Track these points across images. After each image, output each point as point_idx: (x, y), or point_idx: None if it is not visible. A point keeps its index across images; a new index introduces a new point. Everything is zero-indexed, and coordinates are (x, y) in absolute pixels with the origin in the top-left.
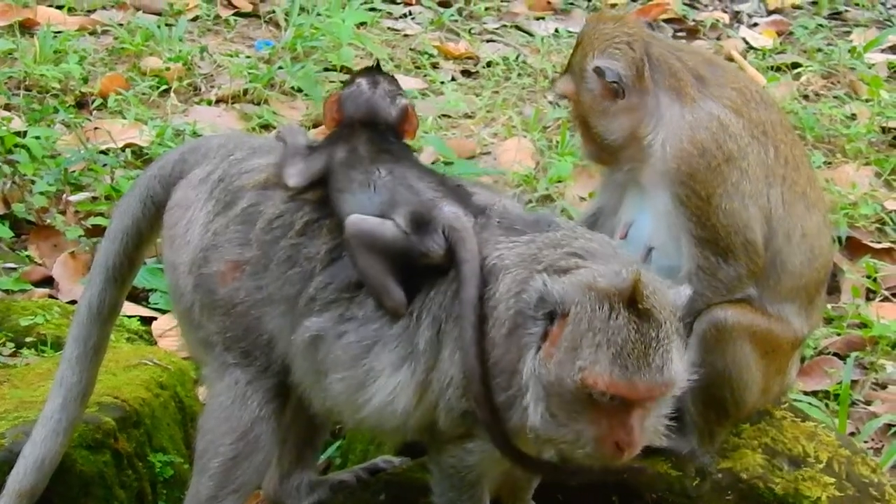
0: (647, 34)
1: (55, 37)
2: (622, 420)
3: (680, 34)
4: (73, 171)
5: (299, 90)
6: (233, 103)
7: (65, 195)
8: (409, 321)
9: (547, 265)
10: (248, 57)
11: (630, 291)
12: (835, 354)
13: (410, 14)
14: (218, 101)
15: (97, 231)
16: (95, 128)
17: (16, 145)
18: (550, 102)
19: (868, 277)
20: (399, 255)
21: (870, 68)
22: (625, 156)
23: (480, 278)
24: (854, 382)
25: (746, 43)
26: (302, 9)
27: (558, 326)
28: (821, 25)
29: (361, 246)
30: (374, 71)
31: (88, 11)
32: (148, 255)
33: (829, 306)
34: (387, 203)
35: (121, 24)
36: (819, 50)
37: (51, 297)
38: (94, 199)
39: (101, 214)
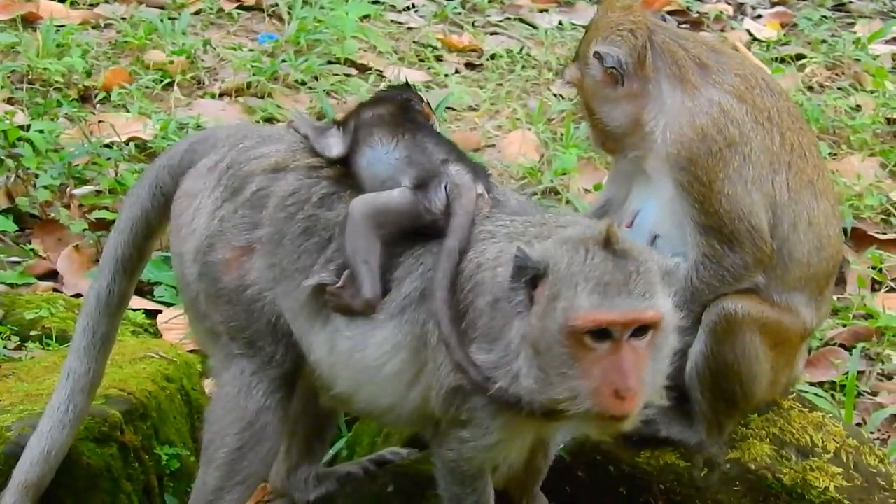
0: (653, 22)
1: (58, 30)
2: (615, 364)
3: (684, 26)
4: (77, 165)
5: (303, 83)
6: (237, 97)
7: (69, 189)
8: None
9: (529, 238)
10: (252, 50)
11: (605, 235)
12: (841, 345)
13: (414, 7)
14: (222, 95)
15: (101, 225)
16: (99, 121)
17: (19, 139)
18: (555, 95)
19: (873, 268)
20: (406, 216)
21: (874, 59)
22: (629, 143)
23: (467, 232)
24: (860, 373)
25: (750, 34)
26: (305, 2)
27: (541, 286)
28: (825, 17)
29: (363, 221)
30: (401, 85)
31: (91, 5)
32: (156, 246)
33: (834, 297)
34: (403, 161)
35: (124, 18)
36: (823, 41)
37: (55, 290)
38: (99, 192)
39: (106, 208)
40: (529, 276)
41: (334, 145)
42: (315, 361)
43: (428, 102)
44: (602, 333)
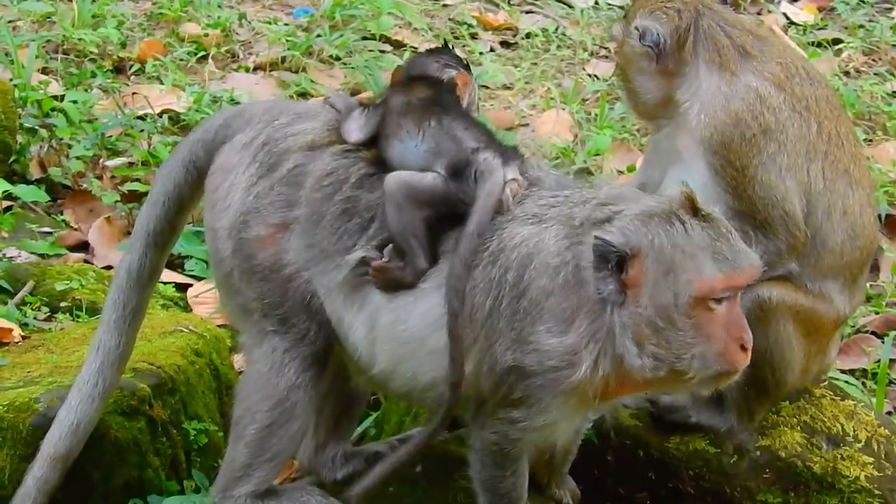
0: (705, 4)
1: (94, 1)
2: (734, 319)
3: None
4: (110, 136)
5: (337, 58)
6: (271, 71)
7: (101, 160)
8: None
9: (583, 219)
10: (287, 24)
11: (689, 203)
12: (873, 333)
13: None
14: (256, 69)
15: (133, 196)
16: (133, 93)
17: (53, 109)
18: (589, 75)
19: None
20: (439, 202)
21: None
22: (660, 114)
23: (488, 217)
24: (892, 361)
25: (787, 18)
26: None
27: (634, 267)
28: (862, 2)
29: (401, 198)
30: (440, 48)
31: None
32: (187, 221)
33: (868, 284)
34: (431, 152)
35: None
36: (861, 26)
37: (86, 261)
38: (131, 164)
39: (138, 180)
40: (615, 262)
41: (353, 131)
42: (354, 342)
43: (467, 64)
44: (724, 295)
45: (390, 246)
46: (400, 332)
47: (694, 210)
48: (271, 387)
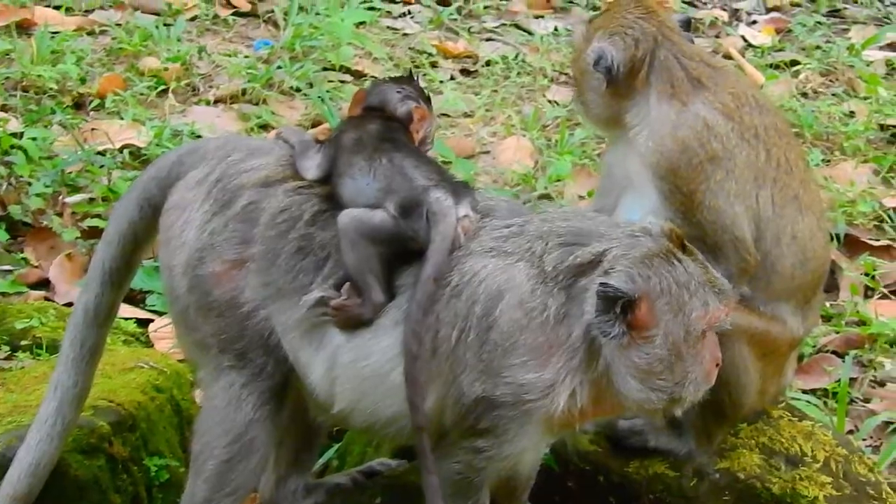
0: (665, 34)
1: (52, 37)
2: (714, 341)
3: None
4: (70, 173)
5: (298, 90)
6: (231, 103)
7: (61, 197)
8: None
9: (557, 263)
10: (247, 57)
11: (679, 241)
12: (833, 352)
13: (409, 13)
14: (216, 102)
15: (94, 233)
16: (93, 129)
17: (12, 146)
18: (550, 101)
19: (866, 275)
20: (391, 241)
21: (868, 66)
22: (611, 127)
23: (444, 259)
24: (853, 380)
25: (745, 41)
26: (301, 8)
27: (643, 309)
28: (819, 23)
29: (355, 235)
30: (405, 77)
31: (86, 11)
32: (145, 257)
33: (827, 304)
34: (383, 190)
35: (119, 24)
36: (818, 47)
37: (47, 299)
38: (91, 200)
39: (98, 216)
40: (621, 306)
41: (310, 168)
42: (312, 381)
43: (429, 97)
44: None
45: (348, 284)
46: (360, 369)
47: (683, 246)
48: (229, 422)
